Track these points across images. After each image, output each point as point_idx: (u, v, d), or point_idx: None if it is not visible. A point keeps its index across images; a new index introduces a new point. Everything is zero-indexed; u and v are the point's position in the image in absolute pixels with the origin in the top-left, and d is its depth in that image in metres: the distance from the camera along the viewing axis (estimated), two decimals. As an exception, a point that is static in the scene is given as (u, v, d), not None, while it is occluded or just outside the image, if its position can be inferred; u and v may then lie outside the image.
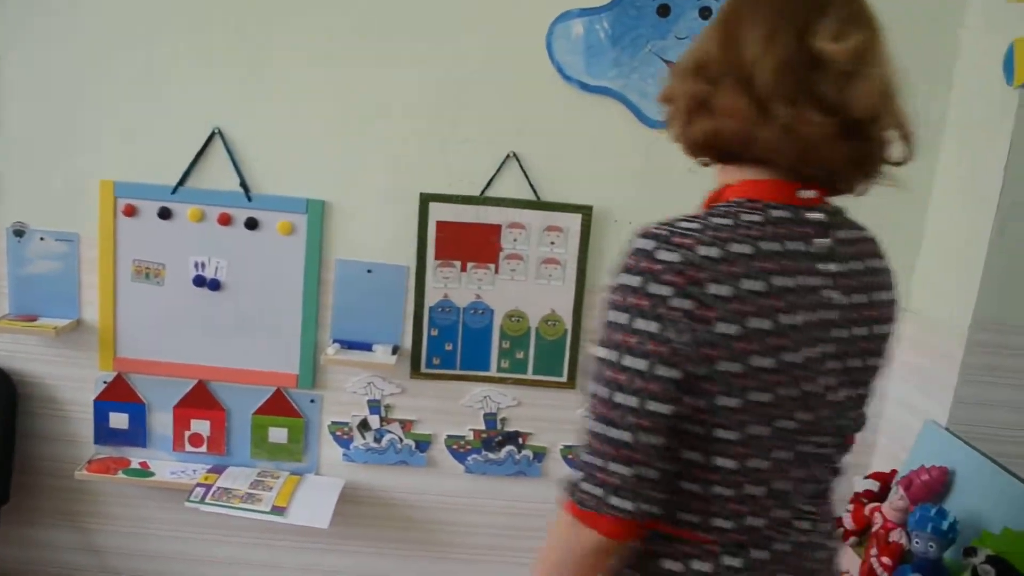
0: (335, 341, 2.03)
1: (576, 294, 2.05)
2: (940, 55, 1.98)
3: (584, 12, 1.93)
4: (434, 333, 2.05)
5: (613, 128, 1.99)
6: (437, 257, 2.02)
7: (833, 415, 0.98)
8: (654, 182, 2.02)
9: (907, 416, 2.09)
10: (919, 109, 1.90)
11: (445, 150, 1.99)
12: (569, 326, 2.06)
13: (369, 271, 2.03)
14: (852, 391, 1.00)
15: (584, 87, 1.96)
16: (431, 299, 2.04)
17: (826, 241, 0.94)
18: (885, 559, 1.81)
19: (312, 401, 2.09)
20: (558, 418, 2.11)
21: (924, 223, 2.09)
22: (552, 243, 2.03)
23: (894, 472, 2.03)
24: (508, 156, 1.98)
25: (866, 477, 2.06)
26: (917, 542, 1.70)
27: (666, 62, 1.96)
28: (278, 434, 2.10)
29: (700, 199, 1.91)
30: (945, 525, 1.67)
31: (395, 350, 2.03)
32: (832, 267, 0.94)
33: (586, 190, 2.02)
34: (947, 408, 1.93)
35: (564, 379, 2.09)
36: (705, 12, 1.94)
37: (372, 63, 1.95)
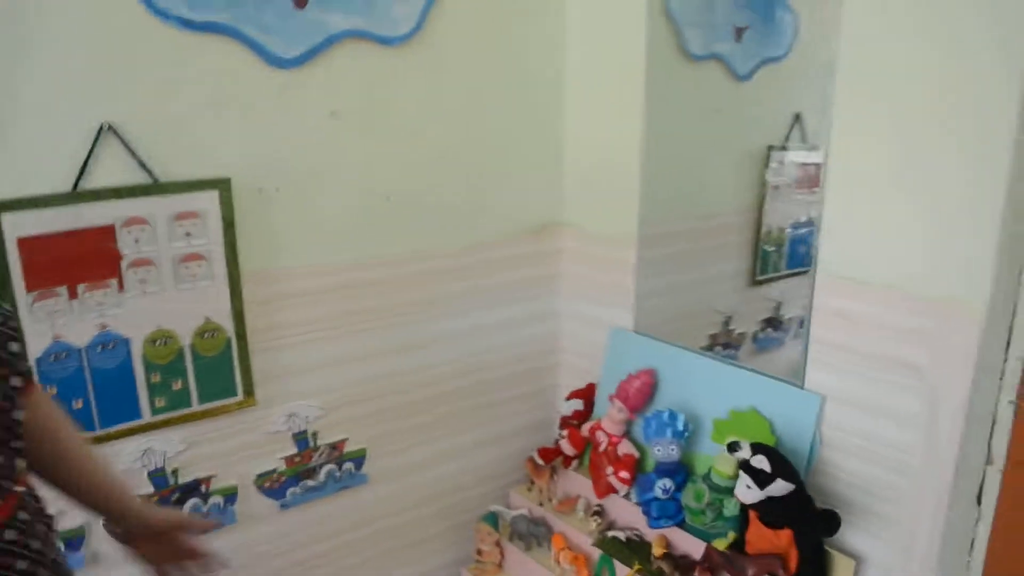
0: None
1: (232, 290, 1.61)
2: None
3: (165, -81, 1.43)
4: (51, 392, 1.45)
5: (233, 74, 1.55)
6: (30, 288, 1.40)
7: None
8: (295, 134, 1.65)
9: (585, 329, 2.11)
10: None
11: (3, 132, 1.35)
12: (232, 331, 1.63)
13: None
14: None
15: (187, 25, 1.47)
16: (35, 348, 1.43)
17: None
18: (623, 474, 1.83)
19: None
20: (243, 444, 1.69)
21: (563, 139, 2.06)
22: (188, 234, 1.55)
23: (592, 386, 2.05)
24: (102, 129, 1.42)
25: (568, 398, 2.05)
26: (659, 449, 1.74)
27: (283, -17, 1.57)
28: None
29: (350, 148, 1.63)
30: (681, 426, 1.73)
31: None
32: None
33: (218, 159, 1.56)
34: (631, 313, 1.98)
35: (240, 397, 1.66)
36: (317, -82, 1.58)
37: None
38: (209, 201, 1.56)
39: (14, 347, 0.96)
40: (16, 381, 0.96)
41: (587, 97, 1.99)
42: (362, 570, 1.94)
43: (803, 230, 2.42)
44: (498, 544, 1.97)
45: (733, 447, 1.55)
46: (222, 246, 1.59)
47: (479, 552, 1.98)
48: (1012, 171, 1.30)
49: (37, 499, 1.04)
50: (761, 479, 1.49)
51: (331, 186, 1.71)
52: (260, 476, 1.73)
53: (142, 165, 1.48)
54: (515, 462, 2.14)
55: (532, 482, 2.03)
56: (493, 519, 1.98)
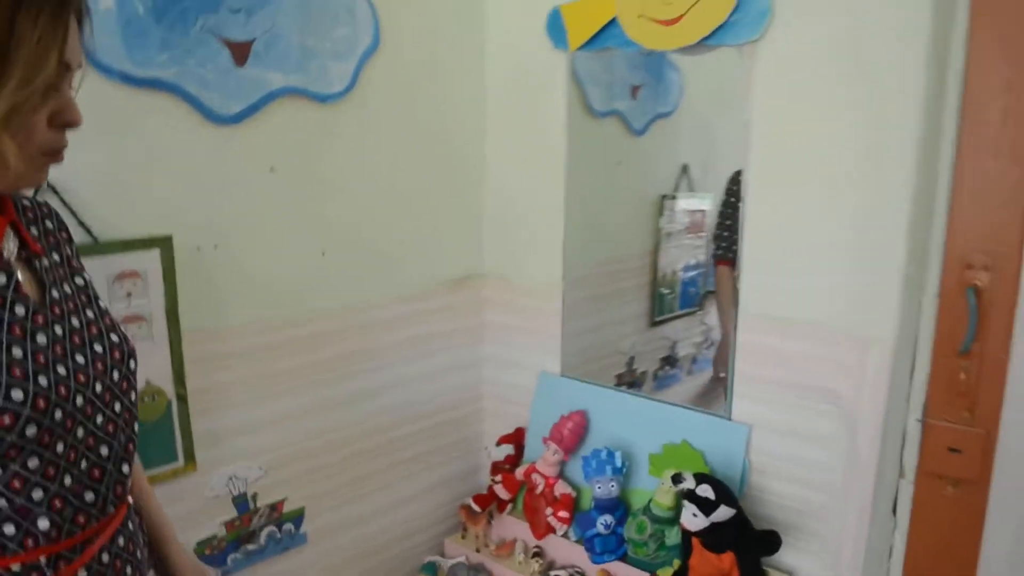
0: None
1: (172, 351, 1.55)
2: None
3: (110, -23, 1.40)
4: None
5: (175, 130, 1.52)
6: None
7: None
8: (233, 190, 1.63)
9: (508, 375, 2.17)
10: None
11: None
12: (172, 394, 1.57)
13: None
14: None
15: (129, 80, 1.44)
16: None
17: None
18: (562, 513, 1.89)
19: None
20: (184, 512, 1.61)
21: (483, 194, 2.14)
22: (128, 295, 1.49)
23: (520, 430, 2.11)
24: (40, 187, 1.36)
25: (498, 443, 2.09)
26: (599, 487, 1.81)
27: (225, 41, 1.56)
28: None
29: (287, 203, 1.64)
30: (619, 463, 1.82)
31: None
32: None
33: (158, 216, 1.52)
34: (557, 357, 2.06)
35: (180, 463, 1.59)
36: (257, -22, 1.59)
37: None
38: (150, 260, 1.51)
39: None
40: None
41: (507, 153, 2.08)
42: (298, 636, 1.88)
43: (691, 272, 2.61)
44: (436, 595, 1.97)
45: (677, 479, 1.64)
46: (163, 307, 1.53)
47: (417, 605, 1.97)
48: (910, 222, 1.49)
49: (136, 511, 1.14)
50: (706, 507, 1.60)
51: (268, 242, 1.69)
52: (200, 543, 1.66)
53: (81, 224, 1.42)
54: (446, 511, 2.15)
55: (465, 529, 2.05)
56: (432, 569, 1.98)
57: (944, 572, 1.63)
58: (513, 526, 2.01)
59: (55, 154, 0.95)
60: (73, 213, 1.40)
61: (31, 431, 0.88)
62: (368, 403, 1.93)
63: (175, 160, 1.53)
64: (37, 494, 0.91)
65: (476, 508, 1.99)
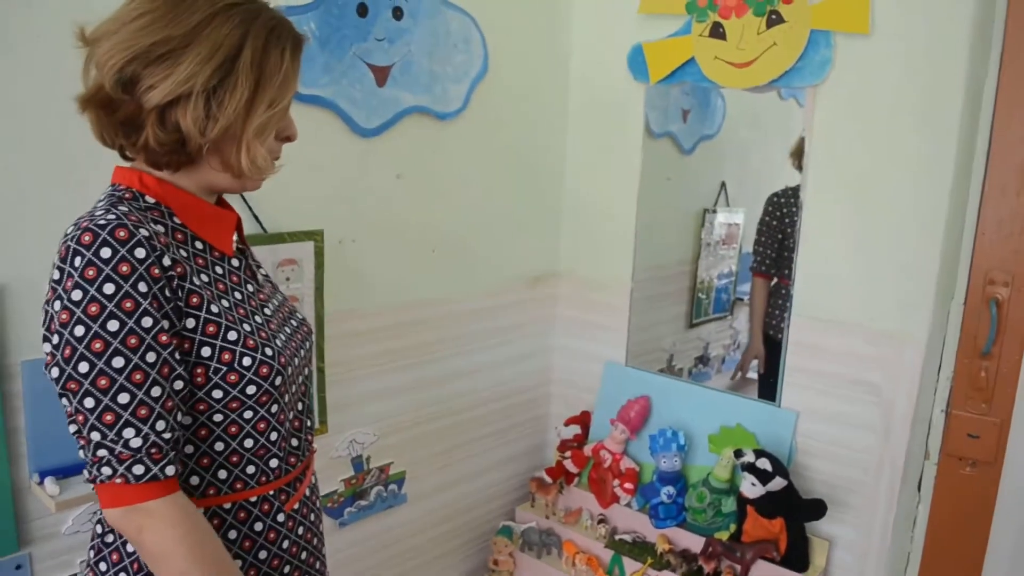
0: (41, 473, 1.43)
1: (318, 330, 1.82)
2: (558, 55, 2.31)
3: (291, 11, 1.66)
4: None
5: (328, 140, 1.79)
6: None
7: None
8: (368, 193, 1.89)
9: (575, 363, 2.45)
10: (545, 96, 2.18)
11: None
12: (314, 367, 1.83)
13: (72, 367, 1.45)
14: None
15: (298, 97, 1.70)
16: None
17: None
18: (627, 485, 2.16)
19: (18, 567, 1.44)
20: (316, 469, 1.87)
21: (560, 199, 2.42)
22: (287, 279, 1.75)
23: (586, 413, 2.38)
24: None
25: (566, 424, 2.36)
26: (664, 461, 2.09)
27: (369, 66, 1.82)
28: (-24, 639, 1.39)
29: (409, 206, 1.89)
30: (683, 441, 2.10)
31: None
32: None
33: (313, 213, 1.78)
34: (623, 348, 2.34)
35: (316, 426, 1.86)
36: (398, 12, 1.85)
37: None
38: (305, 250, 1.77)
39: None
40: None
41: (583, 167, 2.37)
42: (395, 584, 2.15)
43: (724, 281, 2.89)
44: (511, 555, 2.24)
45: (739, 454, 1.93)
46: (312, 290, 1.80)
47: (495, 563, 2.23)
48: (943, 243, 1.78)
49: None
50: (763, 477, 1.88)
51: (392, 238, 1.96)
52: (324, 497, 1.92)
53: (255, 217, 1.68)
54: (517, 482, 2.43)
55: (534, 499, 2.32)
56: (508, 532, 2.25)
57: (960, 539, 1.92)
58: (579, 497, 2.28)
59: (275, 162, 1.17)
60: (249, 208, 1.67)
61: (278, 381, 1.13)
62: (458, 383, 2.20)
63: (327, 165, 1.80)
64: (273, 436, 1.14)
65: (548, 479, 2.27)
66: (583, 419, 2.36)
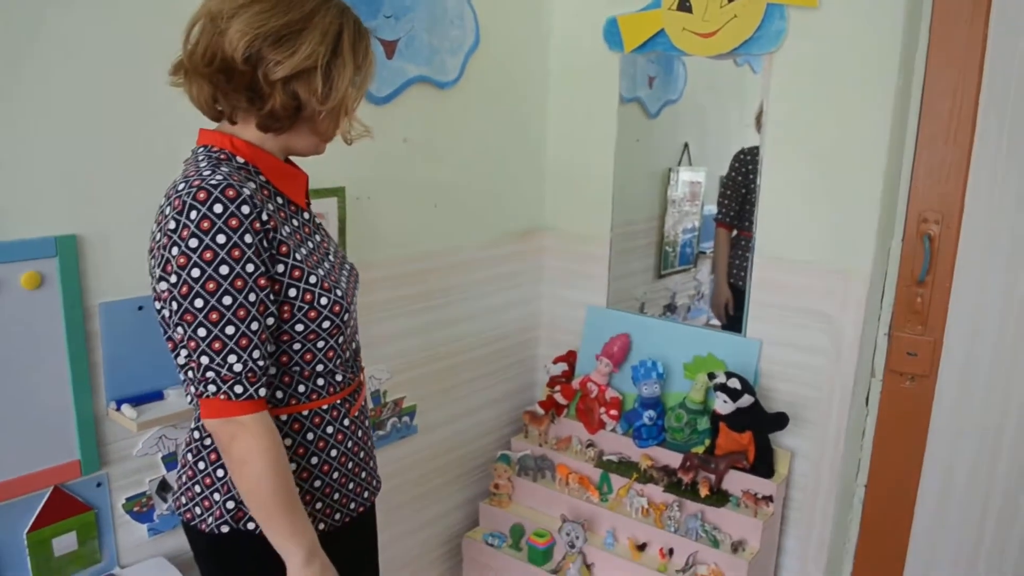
0: (117, 402, 1.63)
1: (338, 277, 2.04)
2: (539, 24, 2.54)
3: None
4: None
5: (345, 107, 2.00)
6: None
7: None
8: (381, 156, 2.11)
9: (561, 308, 2.71)
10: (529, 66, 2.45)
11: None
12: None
13: (140, 308, 1.65)
14: None
15: (321, 69, 1.91)
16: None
17: None
18: (612, 412, 2.43)
19: (99, 485, 1.64)
20: (341, 402, 2.10)
21: (544, 160, 2.66)
22: (314, 232, 1.97)
23: (572, 352, 2.64)
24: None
25: (555, 362, 2.62)
26: (646, 388, 2.36)
27: (380, 40, 2.03)
28: (66, 542, 1.59)
29: (414, 167, 2.12)
30: (661, 370, 2.37)
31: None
32: None
33: (337, 171, 1.99)
34: (603, 294, 2.61)
35: (341, 363, 2.08)
36: (402, -9, 2.07)
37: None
38: (331, 205, 1.99)
39: None
40: None
41: (563, 131, 2.62)
42: (409, 507, 2.39)
43: (688, 235, 3.17)
44: (510, 479, 2.49)
45: (712, 376, 2.21)
46: (337, 242, 2.01)
47: (495, 486, 2.49)
48: (882, 188, 2.07)
49: None
50: (733, 395, 2.16)
51: (401, 196, 2.18)
52: (348, 428, 2.15)
53: (287, 177, 1.89)
54: (510, 416, 2.69)
55: (527, 430, 2.58)
56: (507, 459, 2.50)
57: (903, 444, 2.24)
58: (568, 427, 2.55)
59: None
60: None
61: (345, 316, 1.36)
62: (458, 327, 2.44)
63: (346, 130, 2.01)
64: (337, 360, 1.38)
65: (540, 411, 2.53)
66: (569, 357, 2.63)
